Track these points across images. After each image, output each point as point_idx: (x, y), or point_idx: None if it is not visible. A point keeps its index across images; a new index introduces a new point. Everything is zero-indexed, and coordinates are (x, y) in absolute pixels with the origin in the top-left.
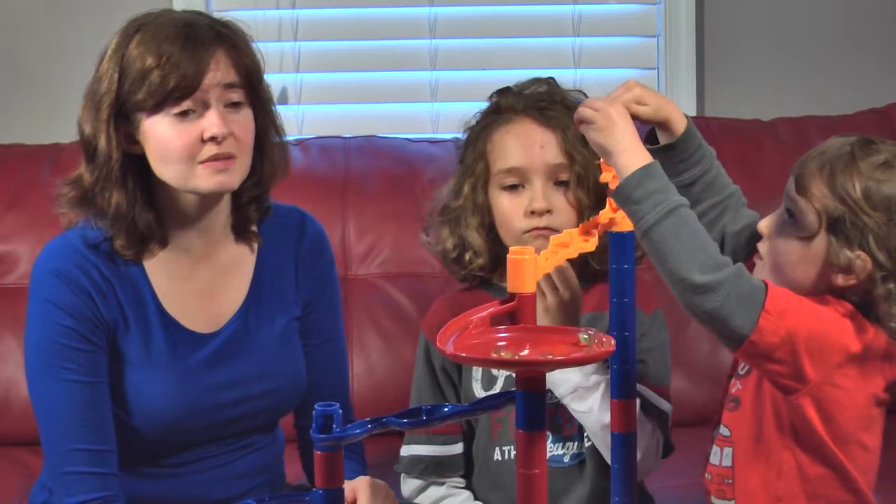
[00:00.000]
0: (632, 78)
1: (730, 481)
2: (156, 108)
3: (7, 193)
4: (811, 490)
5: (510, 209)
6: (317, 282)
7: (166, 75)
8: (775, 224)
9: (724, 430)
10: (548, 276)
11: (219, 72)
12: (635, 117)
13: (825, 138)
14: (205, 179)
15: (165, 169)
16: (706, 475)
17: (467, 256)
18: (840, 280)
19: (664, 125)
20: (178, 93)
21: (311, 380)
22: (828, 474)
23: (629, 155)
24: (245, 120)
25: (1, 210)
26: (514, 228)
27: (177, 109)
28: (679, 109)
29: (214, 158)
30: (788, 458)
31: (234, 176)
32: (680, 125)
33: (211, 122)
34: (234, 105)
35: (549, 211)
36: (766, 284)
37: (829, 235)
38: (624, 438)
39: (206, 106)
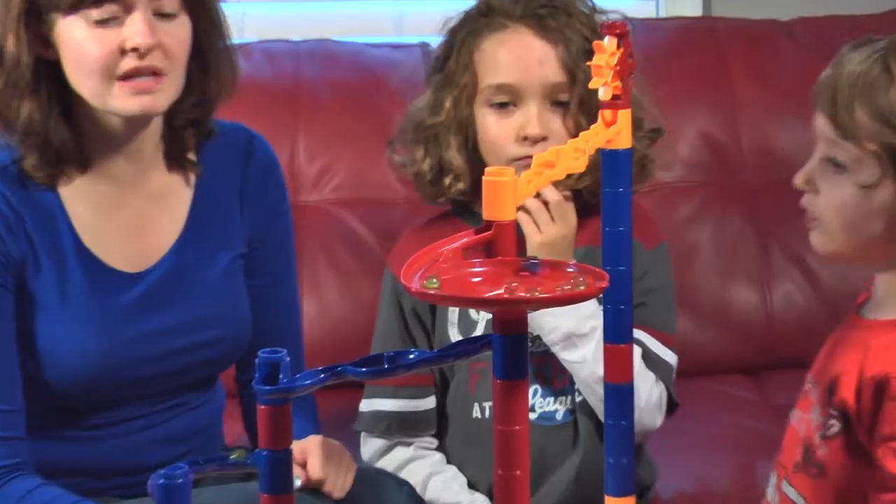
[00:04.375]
0: None
1: None
2: (72, 8)
3: None
4: None
5: (499, 132)
6: (266, 213)
7: None
8: (820, 173)
9: (791, 493)
10: (544, 209)
11: None
12: None
13: (851, 40)
14: (123, 100)
15: (81, 81)
16: None
17: (446, 181)
18: None
19: None
20: None
21: (258, 326)
22: None
23: None
24: (178, 30)
25: None
26: (503, 155)
27: (96, 13)
28: None
29: (136, 73)
30: None
31: (161, 98)
32: None
33: (134, 31)
34: (166, 16)
35: (544, 138)
36: None
37: None
38: (617, 390)
39: (131, 12)
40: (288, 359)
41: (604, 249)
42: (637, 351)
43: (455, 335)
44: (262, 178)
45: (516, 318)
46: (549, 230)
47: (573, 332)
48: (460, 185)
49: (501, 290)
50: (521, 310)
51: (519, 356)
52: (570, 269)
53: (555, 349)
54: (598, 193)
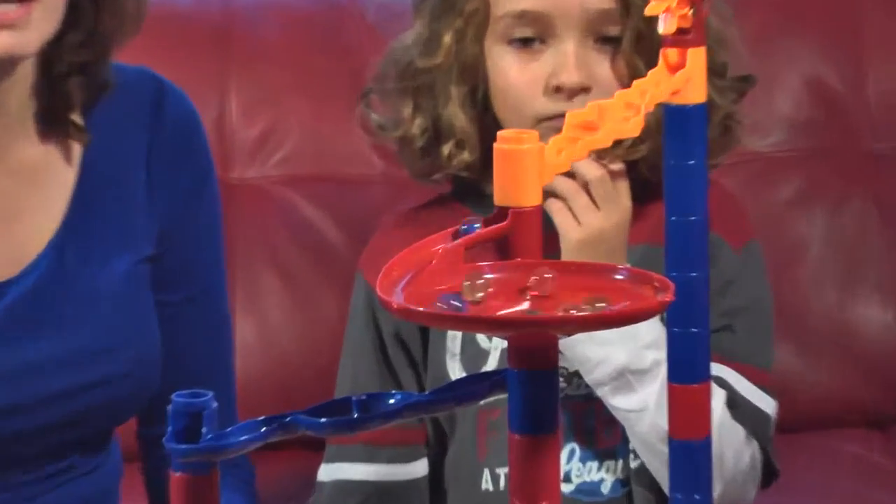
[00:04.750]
0: None
1: None
2: None
3: None
4: None
5: (521, 80)
6: (183, 197)
7: None
8: None
9: None
10: (583, 191)
11: None
12: None
13: None
14: None
15: None
16: None
17: (445, 149)
18: None
19: None
20: None
21: (171, 360)
22: None
23: None
24: None
25: None
26: (525, 112)
27: None
28: None
29: None
30: None
31: (29, 35)
32: None
33: None
34: None
35: (584, 89)
36: None
37: None
38: (689, 452)
39: None
40: (215, 404)
41: (668, 248)
42: (719, 395)
43: (456, 371)
44: (178, 148)
45: (543, 347)
46: (591, 221)
47: (628, 367)
48: (464, 156)
49: (522, 306)
50: (549, 334)
51: (547, 401)
52: (619, 277)
53: (601, 392)
54: (658, 168)
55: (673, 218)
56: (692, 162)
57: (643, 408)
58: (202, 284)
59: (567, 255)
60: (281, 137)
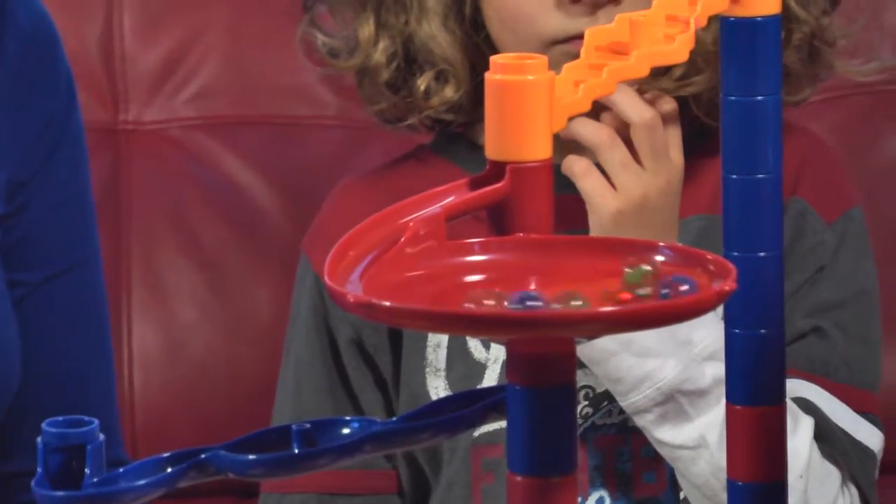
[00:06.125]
0: None
1: None
2: None
3: None
4: None
5: None
6: (35, 137)
7: None
8: None
9: None
10: (619, 140)
11: None
12: None
13: None
14: None
15: None
16: None
17: (422, 82)
18: None
19: None
20: None
21: (32, 367)
22: None
23: None
24: None
25: None
26: (530, 31)
27: None
28: None
29: None
30: None
31: None
32: None
33: None
34: None
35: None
36: None
37: None
38: (756, 498)
39: None
40: (101, 437)
41: (727, 219)
42: (806, 424)
43: (440, 392)
44: (24, 69)
45: (555, 357)
46: (631, 184)
47: (679, 387)
48: (447, 92)
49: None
50: (563, 337)
51: (561, 430)
52: (661, 258)
53: (642, 422)
54: (715, 108)
55: (734, 176)
56: (761, 97)
57: (700, 443)
58: (71, 259)
59: (599, 232)
60: (193, 64)
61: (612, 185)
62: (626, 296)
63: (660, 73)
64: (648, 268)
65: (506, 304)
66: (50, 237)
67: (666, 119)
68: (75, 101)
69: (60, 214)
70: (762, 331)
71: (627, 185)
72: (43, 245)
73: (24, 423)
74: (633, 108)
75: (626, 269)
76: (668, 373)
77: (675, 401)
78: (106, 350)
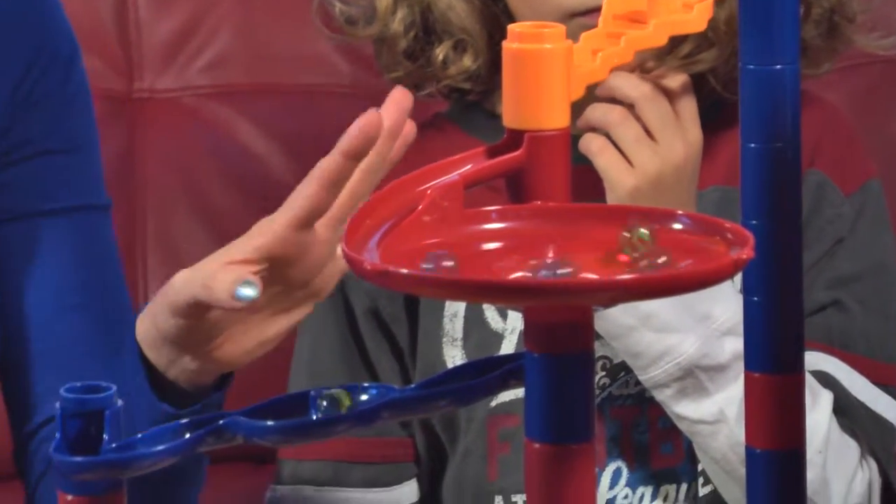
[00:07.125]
0: None
1: None
2: None
3: None
4: None
5: None
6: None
7: None
8: None
9: None
10: (631, 116)
11: None
12: None
13: None
14: None
15: None
16: None
17: (440, 51)
18: None
19: None
20: None
21: (64, 300)
22: None
23: None
24: None
25: None
26: (552, 4)
27: None
28: None
29: None
30: None
31: None
32: None
33: None
34: None
35: None
36: None
37: None
38: (773, 465)
39: None
40: (119, 403)
41: (744, 187)
42: (825, 398)
43: (457, 362)
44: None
45: (572, 325)
46: (647, 160)
47: (699, 362)
48: (465, 62)
49: (542, 270)
50: (581, 305)
51: (578, 397)
52: (678, 226)
53: (661, 396)
54: (734, 81)
55: (752, 145)
56: (779, 67)
57: (718, 418)
58: (72, 201)
59: (615, 202)
60: (208, 33)
61: (630, 162)
62: (623, 258)
63: (666, 52)
64: (646, 231)
65: (542, 273)
66: (42, 178)
67: (678, 93)
68: (78, 54)
69: (67, 158)
70: (780, 299)
71: (643, 160)
72: (35, 185)
73: (52, 367)
74: (630, 85)
75: (624, 233)
76: (688, 348)
77: (694, 376)
78: (119, 308)
